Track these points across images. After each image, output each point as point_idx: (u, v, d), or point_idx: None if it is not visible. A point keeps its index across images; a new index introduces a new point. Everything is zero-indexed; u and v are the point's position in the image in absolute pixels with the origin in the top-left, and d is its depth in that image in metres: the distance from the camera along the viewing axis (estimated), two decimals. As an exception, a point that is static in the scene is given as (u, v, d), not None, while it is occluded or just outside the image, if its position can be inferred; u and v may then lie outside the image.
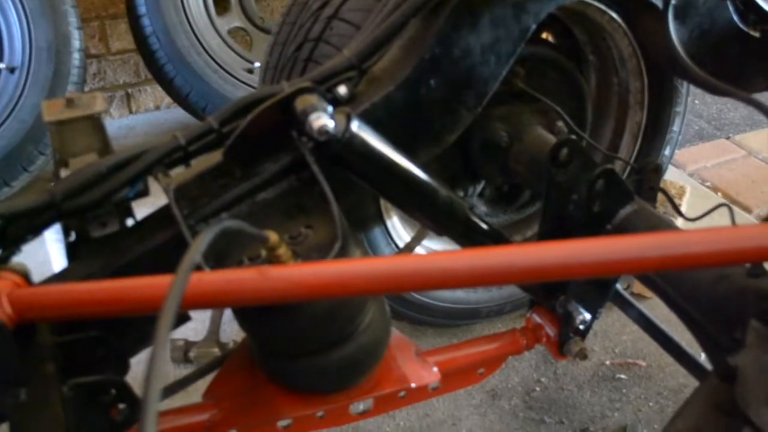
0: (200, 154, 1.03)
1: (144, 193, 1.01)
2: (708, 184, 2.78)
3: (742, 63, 1.42)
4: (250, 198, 1.04)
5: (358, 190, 1.18)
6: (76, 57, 2.42)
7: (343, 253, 0.94)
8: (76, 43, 2.42)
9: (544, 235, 1.34)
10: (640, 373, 1.89)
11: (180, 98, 2.80)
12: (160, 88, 2.93)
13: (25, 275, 0.86)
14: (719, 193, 2.71)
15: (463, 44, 1.15)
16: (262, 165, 1.05)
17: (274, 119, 1.01)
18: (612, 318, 2.05)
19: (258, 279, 0.75)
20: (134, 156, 0.99)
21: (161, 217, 1.02)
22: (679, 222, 1.95)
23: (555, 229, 1.30)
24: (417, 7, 1.09)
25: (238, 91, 2.78)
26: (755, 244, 0.76)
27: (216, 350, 1.81)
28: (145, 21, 2.68)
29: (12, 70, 2.36)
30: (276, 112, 1.01)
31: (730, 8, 1.37)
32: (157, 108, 3.31)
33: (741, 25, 1.37)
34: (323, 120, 0.97)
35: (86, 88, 3.04)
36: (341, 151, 1.03)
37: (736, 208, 2.55)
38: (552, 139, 1.43)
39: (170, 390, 1.23)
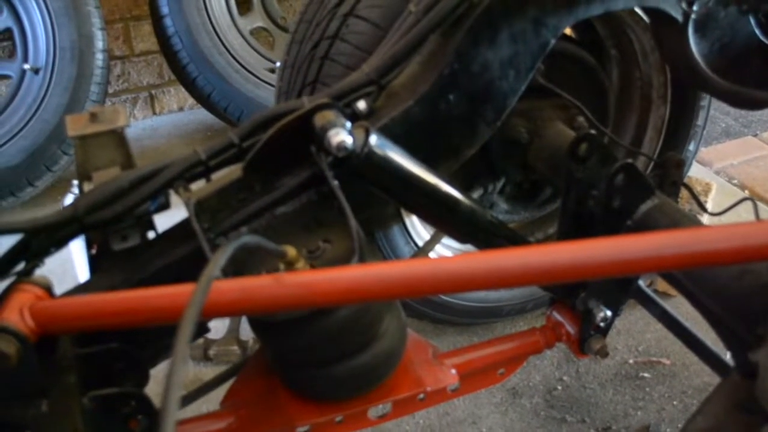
0: (221, 168, 1.04)
1: (165, 206, 1.03)
2: (735, 181, 2.74)
3: (763, 76, 1.40)
4: (269, 212, 1.05)
5: (378, 202, 1.19)
6: (99, 58, 2.44)
7: None
8: (99, 44, 2.45)
9: (564, 232, 1.33)
10: (664, 371, 1.87)
11: (202, 98, 2.82)
12: (183, 90, 2.96)
13: (47, 288, 0.87)
14: (746, 191, 2.67)
15: (482, 59, 1.15)
16: (281, 179, 1.05)
17: (294, 135, 1.02)
18: (635, 316, 2.02)
19: (273, 286, 0.75)
20: (156, 170, 1.00)
21: (181, 230, 1.03)
22: (705, 219, 1.92)
23: (574, 225, 1.28)
24: (436, 23, 1.10)
25: (260, 91, 2.79)
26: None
27: (236, 348, 1.82)
28: (168, 21, 2.70)
29: (36, 71, 2.40)
30: (295, 128, 1.02)
31: (752, 21, 1.35)
32: (181, 109, 3.34)
33: (762, 38, 1.36)
34: (342, 136, 0.98)
35: (110, 90, 3.07)
36: (360, 166, 1.03)
37: (763, 206, 2.51)
38: (572, 134, 1.42)
39: (188, 399, 1.24)
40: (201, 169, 1.02)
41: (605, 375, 1.86)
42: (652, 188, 1.21)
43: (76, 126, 1.03)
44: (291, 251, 0.89)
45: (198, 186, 1.04)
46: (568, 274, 0.77)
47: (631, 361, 1.90)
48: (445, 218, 1.21)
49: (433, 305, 1.76)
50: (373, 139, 1.03)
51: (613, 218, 1.23)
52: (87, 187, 1.01)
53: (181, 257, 1.02)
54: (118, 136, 1.04)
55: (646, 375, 1.86)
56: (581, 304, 1.36)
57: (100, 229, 0.99)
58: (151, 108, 3.27)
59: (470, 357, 1.38)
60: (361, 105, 1.09)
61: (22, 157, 2.36)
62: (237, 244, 0.73)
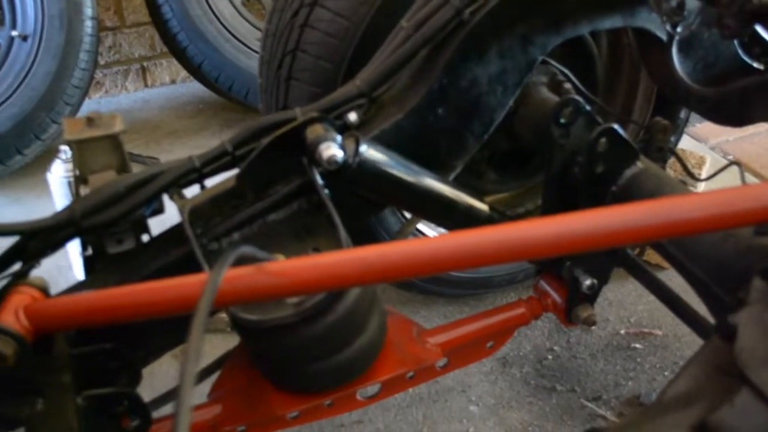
0: (214, 175, 1.08)
1: (159, 210, 1.07)
2: (730, 157, 2.73)
3: (746, 94, 1.39)
4: (260, 219, 1.09)
5: (368, 210, 1.23)
6: (88, 25, 2.42)
7: None
8: (88, 11, 2.43)
9: (548, 200, 1.32)
10: (656, 342, 1.86)
11: (193, 68, 2.80)
12: (176, 62, 2.94)
13: (43, 289, 0.89)
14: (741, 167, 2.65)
15: (471, 75, 1.18)
16: (273, 187, 1.09)
17: (286, 146, 1.06)
18: (628, 288, 2.01)
19: (256, 275, 0.76)
20: (151, 176, 1.03)
21: (174, 235, 1.07)
22: (701, 188, 1.90)
23: (559, 193, 1.27)
24: (427, 38, 1.13)
25: (251, 61, 2.77)
26: (761, 204, 0.73)
27: (224, 316, 1.81)
28: (158, -10, 2.67)
29: (24, 38, 2.38)
30: (287, 140, 1.05)
31: (735, 43, 1.35)
32: (173, 82, 3.32)
33: (745, 58, 1.35)
34: (332, 150, 1.02)
35: (101, 61, 3.05)
36: (353, 175, 1.07)
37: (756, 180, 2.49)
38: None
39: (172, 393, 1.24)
40: (195, 176, 1.06)
41: (596, 345, 1.85)
42: (636, 152, 1.20)
43: (73, 130, 1.07)
44: (282, 259, 0.90)
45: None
46: (548, 249, 0.76)
47: (622, 332, 1.89)
48: (443, 218, 1.26)
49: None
50: (364, 148, 1.07)
51: (596, 184, 1.21)
52: (83, 190, 1.05)
53: (173, 261, 1.05)
54: (114, 141, 1.07)
55: (637, 346, 1.85)
56: (567, 273, 1.35)
57: (95, 233, 1.02)
58: (143, 80, 3.25)
59: (456, 333, 1.38)
60: (352, 117, 1.13)
61: (10, 124, 2.35)
62: (235, 254, 0.74)
